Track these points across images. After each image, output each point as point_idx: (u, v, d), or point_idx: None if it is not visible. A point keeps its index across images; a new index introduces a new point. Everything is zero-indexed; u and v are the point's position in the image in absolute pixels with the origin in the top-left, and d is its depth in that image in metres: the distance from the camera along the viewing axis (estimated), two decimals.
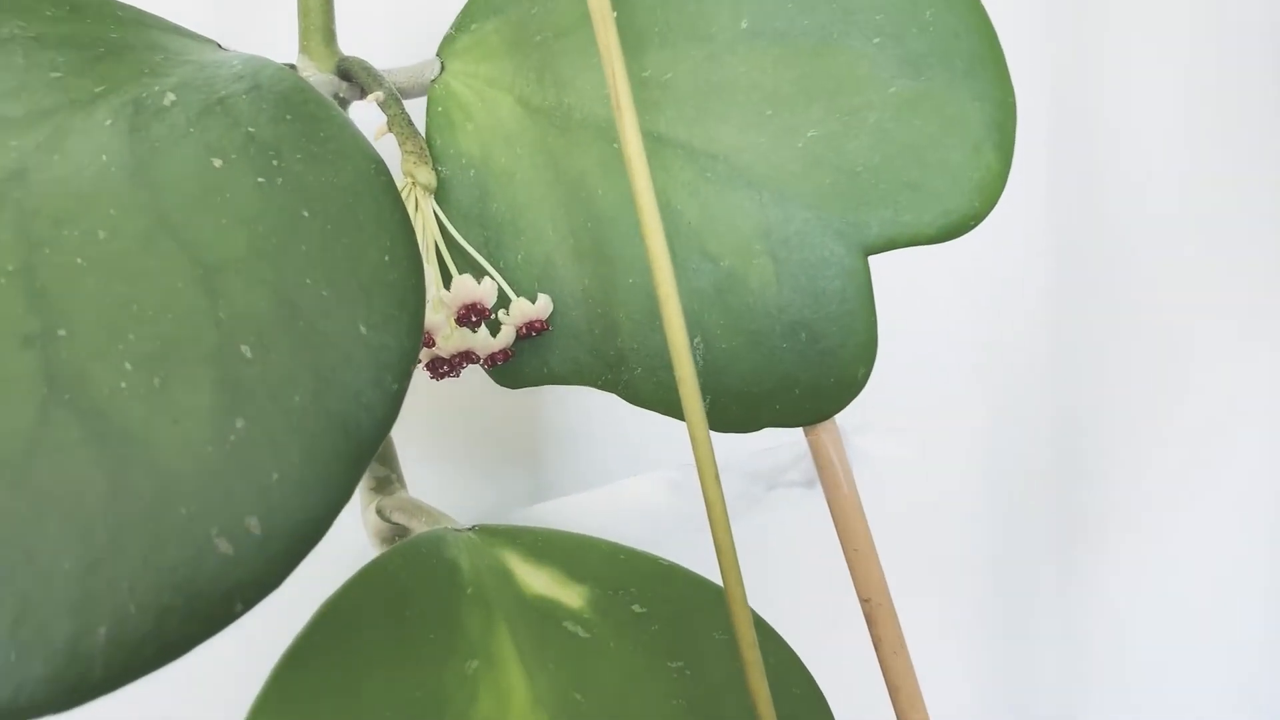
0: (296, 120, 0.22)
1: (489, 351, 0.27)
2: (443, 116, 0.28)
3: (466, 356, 0.27)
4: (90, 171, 0.19)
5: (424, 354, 0.27)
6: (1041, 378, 0.53)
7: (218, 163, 0.20)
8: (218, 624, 0.16)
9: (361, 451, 0.18)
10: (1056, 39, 0.50)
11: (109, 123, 0.21)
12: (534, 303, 0.27)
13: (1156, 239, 0.52)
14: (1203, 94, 0.52)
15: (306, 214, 0.20)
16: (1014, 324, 0.52)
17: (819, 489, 0.29)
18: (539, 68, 0.28)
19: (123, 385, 0.17)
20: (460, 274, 0.27)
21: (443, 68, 0.29)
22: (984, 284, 0.51)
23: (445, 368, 0.27)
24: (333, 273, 0.20)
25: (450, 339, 0.27)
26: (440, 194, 0.28)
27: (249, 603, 0.16)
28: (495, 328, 0.27)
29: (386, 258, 0.21)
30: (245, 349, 0.18)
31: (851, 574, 0.29)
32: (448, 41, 0.29)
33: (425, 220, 0.27)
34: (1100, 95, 0.51)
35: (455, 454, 0.44)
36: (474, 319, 0.26)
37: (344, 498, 0.18)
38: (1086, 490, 0.55)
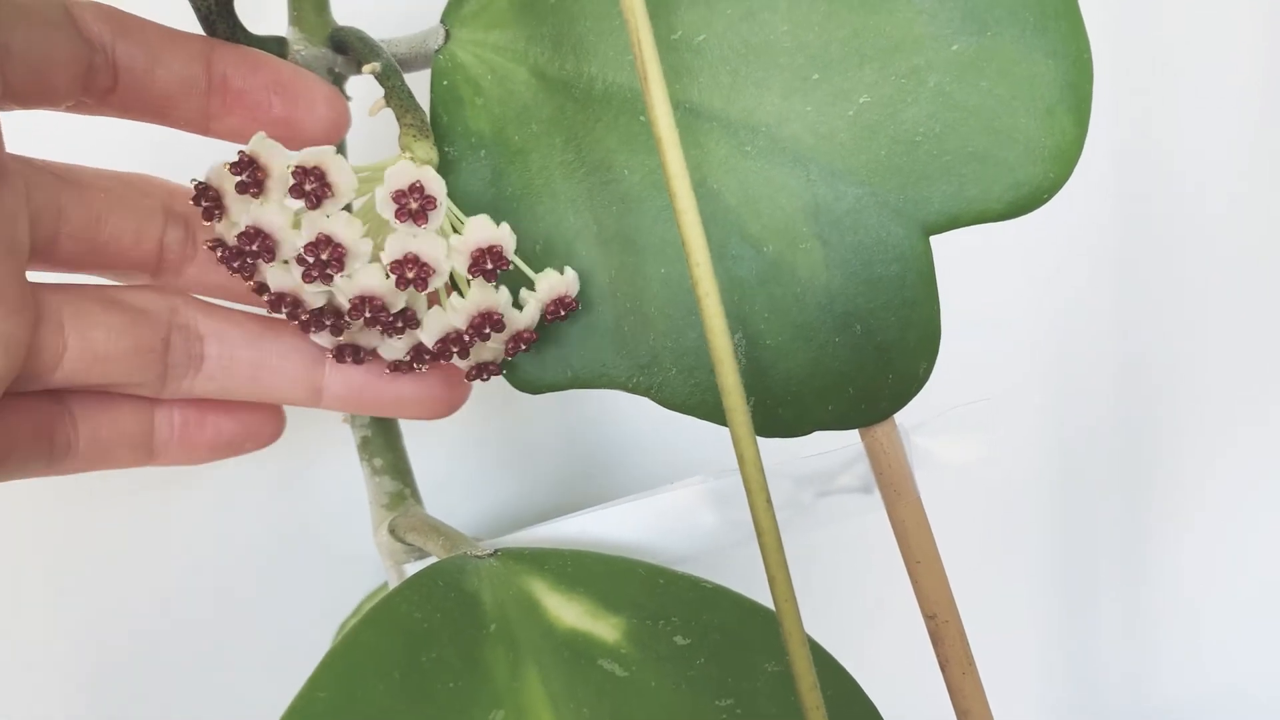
0: None
1: (515, 329, 0.24)
2: (449, 91, 0.25)
3: (489, 320, 0.23)
4: None
5: (437, 325, 0.24)
6: (1106, 357, 0.50)
7: None
8: None
9: None
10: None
11: None
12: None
13: (1230, 205, 0.49)
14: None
15: None
16: (1075, 298, 0.49)
17: (877, 495, 0.26)
18: (555, 33, 0.25)
19: None
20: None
21: (448, 36, 0.26)
22: (1042, 255, 0.48)
23: (457, 346, 0.24)
24: None
25: (469, 295, 0.23)
26: (448, 177, 0.25)
27: None
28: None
29: None
30: None
31: (914, 588, 0.26)
32: (453, 6, 0.25)
33: None
34: (1167, 53, 0.48)
35: (475, 464, 0.42)
36: (490, 266, 0.23)
37: None
38: (1157, 474, 0.52)
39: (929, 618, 0.26)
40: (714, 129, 0.24)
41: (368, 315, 0.23)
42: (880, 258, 0.24)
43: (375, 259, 0.23)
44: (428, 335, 0.24)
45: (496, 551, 0.24)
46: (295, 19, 0.26)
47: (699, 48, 0.24)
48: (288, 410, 0.27)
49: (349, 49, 0.26)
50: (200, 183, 0.23)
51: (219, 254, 0.23)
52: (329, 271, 0.22)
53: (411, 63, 0.26)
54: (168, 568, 0.43)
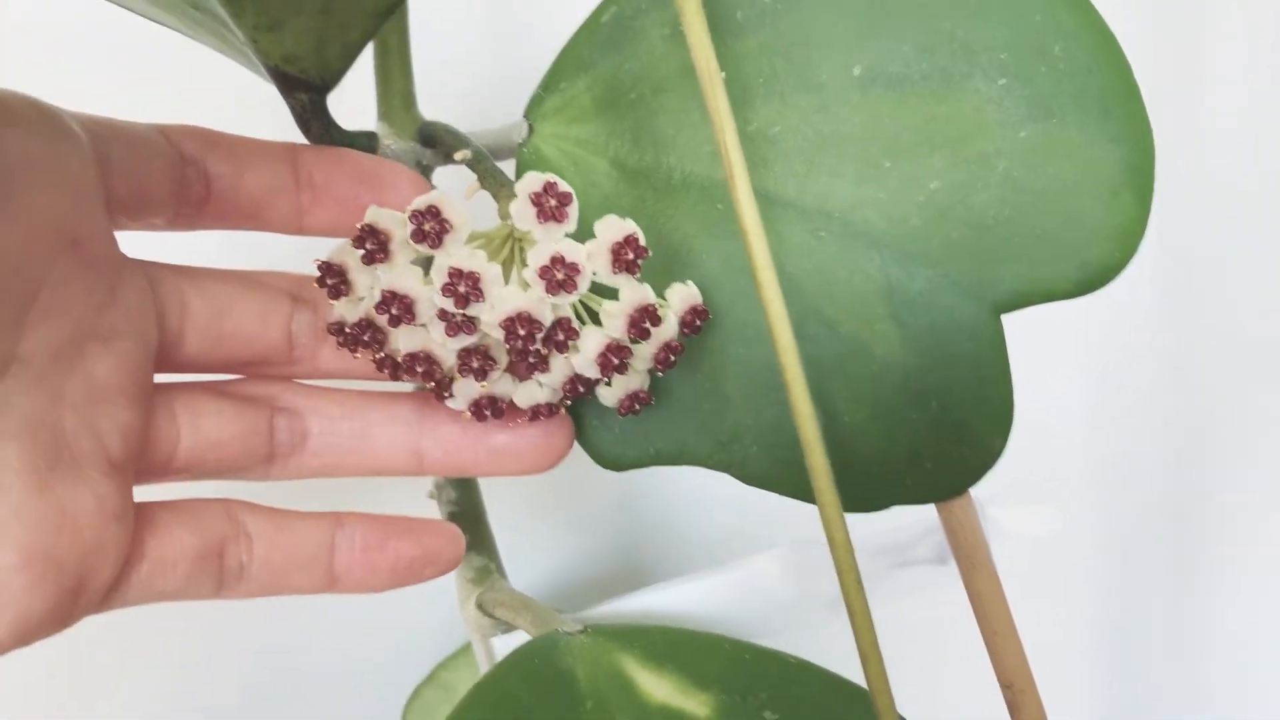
0: None
1: (662, 340, 0.24)
2: None
3: (647, 314, 0.24)
4: None
5: (595, 342, 0.24)
6: (1153, 419, 0.50)
7: None
8: None
9: None
10: (1157, 49, 0.47)
11: None
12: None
13: (1275, 257, 0.49)
14: None
15: None
16: (1123, 357, 0.49)
17: (953, 566, 0.27)
18: (635, 127, 0.26)
19: None
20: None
21: (531, 130, 0.27)
22: (1090, 317, 0.48)
23: (618, 358, 0.24)
24: None
25: (621, 294, 0.23)
26: None
27: None
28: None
29: None
30: None
31: (991, 658, 0.27)
32: (535, 102, 0.27)
33: None
34: (1202, 102, 0.48)
35: (556, 537, 0.43)
36: (633, 256, 0.23)
37: None
38: (1206, 537, 0.52)
39: (1006, 687, 0.27)
40: (789, 215, 0.25)
41: (522, 334, 0.23)
42: (954, 337, 0.25)
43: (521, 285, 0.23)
44: (585, 357, 0.24)
45: (586, 628, 0.25)
46: (384, 114, 0.28)
47: (774, 138, 0.25)
48: (376, 482, 0.28)
49: (437, 142, 0.27)
50: (324, 262, 0.24)
51: (341, 336, 0.24)
52: (470, 304, 0.22)
53: (496, 154, 0.28)
54: (237, 637, 0.44)
